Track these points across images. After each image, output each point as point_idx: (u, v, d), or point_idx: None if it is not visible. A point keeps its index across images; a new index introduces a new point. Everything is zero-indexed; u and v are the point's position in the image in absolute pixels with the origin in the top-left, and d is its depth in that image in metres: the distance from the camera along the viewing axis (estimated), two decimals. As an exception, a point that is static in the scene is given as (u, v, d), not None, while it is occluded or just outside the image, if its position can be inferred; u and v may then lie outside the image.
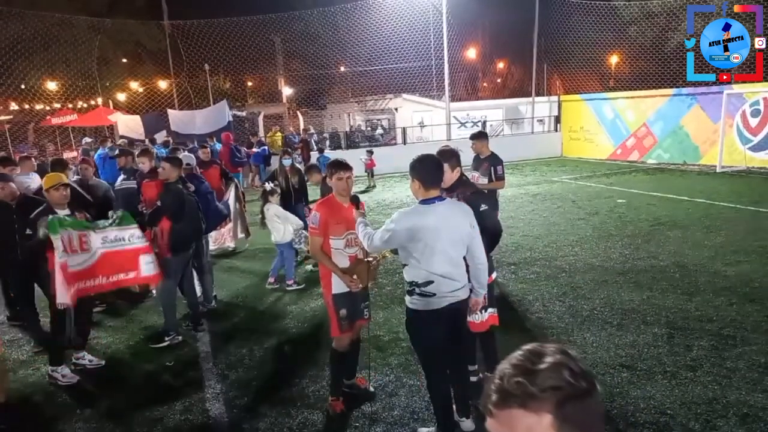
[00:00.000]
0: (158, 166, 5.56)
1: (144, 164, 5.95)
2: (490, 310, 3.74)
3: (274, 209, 6.64)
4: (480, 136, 6.64)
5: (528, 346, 1.03)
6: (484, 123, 19.67)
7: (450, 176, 3.58)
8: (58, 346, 4.67)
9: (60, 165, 6.17)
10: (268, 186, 6.97)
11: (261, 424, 3.80)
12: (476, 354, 4.02)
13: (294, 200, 7.73)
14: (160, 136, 16.34)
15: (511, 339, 4.77)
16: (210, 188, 6.46)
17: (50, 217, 4.41)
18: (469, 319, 3.61)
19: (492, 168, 6.39)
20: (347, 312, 3.72)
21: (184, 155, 7.01)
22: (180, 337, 5.23)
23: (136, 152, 6.64)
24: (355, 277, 3.64)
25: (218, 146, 13.98)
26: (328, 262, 3.67)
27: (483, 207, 3.58)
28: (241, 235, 8.51)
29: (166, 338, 5.16)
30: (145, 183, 5.68)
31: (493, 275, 3.90)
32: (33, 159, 7.64)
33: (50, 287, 4.43)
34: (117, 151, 8.55)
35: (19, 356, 5.20)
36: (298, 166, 8.15)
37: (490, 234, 3.66)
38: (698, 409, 3.61)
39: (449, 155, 3.63)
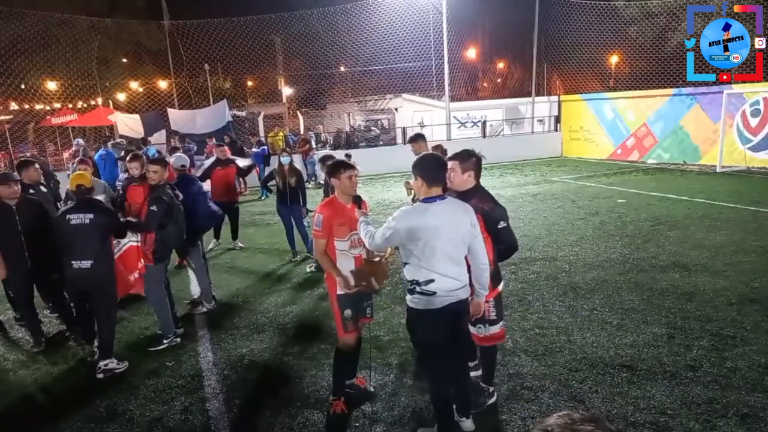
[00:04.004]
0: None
1: (136, 169, 5.85)
2: (501, 323, 3.65)
3: None
4: (416, 139, 6.66)
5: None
6: (484, 123, 19.68)
7: (461, 178, 3.47)
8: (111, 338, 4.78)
9: (25, 165, 5.97)
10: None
11: (261, 424, 3.79)
12: (477, 351, 3.99)
13: (290, 201, 7.68)
14: (160, 136, 16.34)
15: (511, 339, 4.78)
16: (202, 189, 6.46)
17: None
18: (472, 330, 3.59)
19: None
20: (351, 312, 3.71)
21: (178, 156, 6.98)
22: (178, 339, 5.23)
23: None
24: (372, 279, 3.59)
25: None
26: (331, 267, 3.64)
27: (501, 224, 3.44)
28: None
29: (165, 341, 5.16)
30: (133, 186, 5.60)
31: (500, 287, 3.69)
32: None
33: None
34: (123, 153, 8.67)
35: (19, 356, 5.20)
36: (296, 166, 8.12)
37: (504, 249, 3.60)
38: (698, 409, 3.60)
39: (465, 156, 3.49)
